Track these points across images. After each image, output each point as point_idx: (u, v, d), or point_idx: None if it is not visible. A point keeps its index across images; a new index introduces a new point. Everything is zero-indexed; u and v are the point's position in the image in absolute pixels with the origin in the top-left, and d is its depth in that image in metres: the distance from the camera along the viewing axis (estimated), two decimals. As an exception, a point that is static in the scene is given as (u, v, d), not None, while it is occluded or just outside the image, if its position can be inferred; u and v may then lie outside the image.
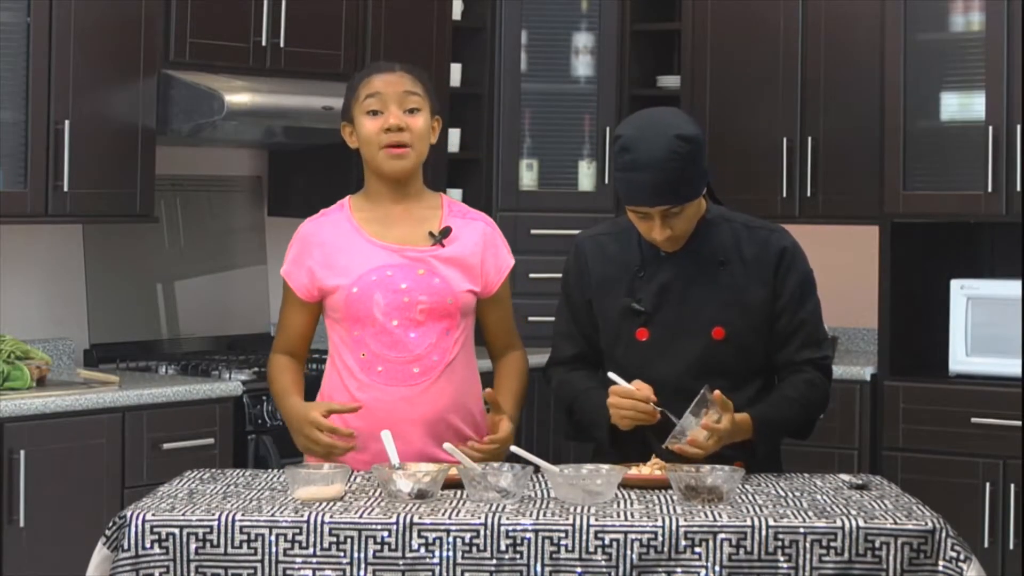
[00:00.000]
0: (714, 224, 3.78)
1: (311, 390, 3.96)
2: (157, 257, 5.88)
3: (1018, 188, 5.77)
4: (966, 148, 5.88)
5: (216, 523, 3.21)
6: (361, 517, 3.21)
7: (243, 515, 3.22)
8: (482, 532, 3.18)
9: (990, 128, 5.79)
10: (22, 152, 5.07)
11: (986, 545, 5.69)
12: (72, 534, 4.79)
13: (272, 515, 3.22)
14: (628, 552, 3.16)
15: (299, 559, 3.19)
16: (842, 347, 6.60)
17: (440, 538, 3.18)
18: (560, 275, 3.93)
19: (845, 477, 3.64)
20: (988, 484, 5.73)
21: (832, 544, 3.17)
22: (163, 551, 3.21)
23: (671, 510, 3.26)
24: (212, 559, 3.21)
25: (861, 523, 3.19)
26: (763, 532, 3.17)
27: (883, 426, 5.95)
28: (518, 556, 3.17)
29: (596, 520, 3.19)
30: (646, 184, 3.60)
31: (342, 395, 3.86)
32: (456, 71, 6.52)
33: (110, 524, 3.29)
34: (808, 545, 3.17)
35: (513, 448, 3.62)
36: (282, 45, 5.71)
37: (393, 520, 3.19)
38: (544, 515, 3.22)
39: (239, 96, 5.43)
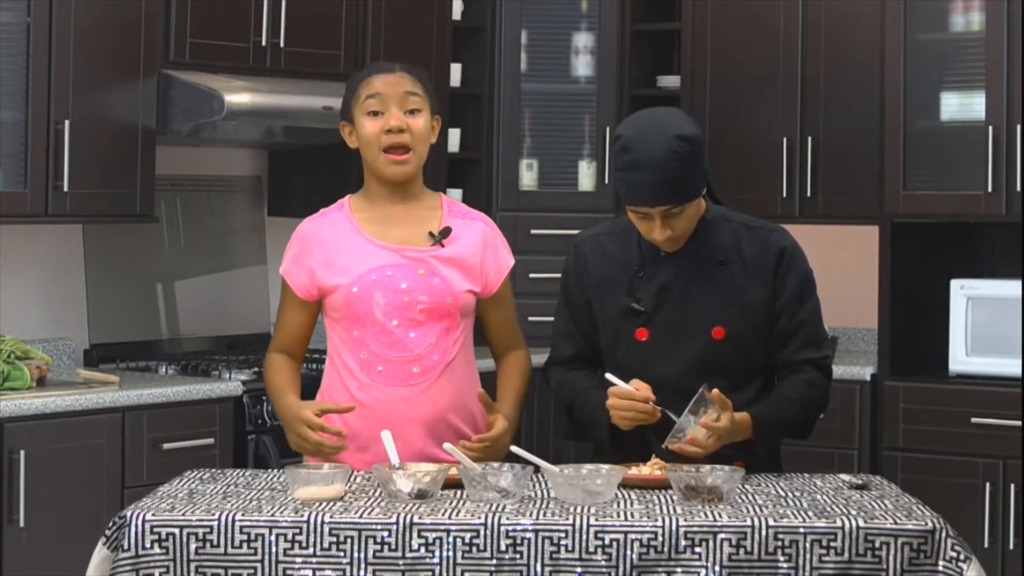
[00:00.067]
0: (714, 224, 3.78)
1: (311, 390, 3.96)
2: (157, 257, 5.88)
3: (1018, 188, 5.76)
4: (966, 148, 5.87)
5: (216, 523, 3.21)
6: (361, 517, 3.21)
7: (243, 515, 3.22)
8: (482, 532, 3.18)
9: (990, 128, 5.78)
10: (22, 152, 5.07)
11: (986, 545, 5.68)
12: (72, 534, 4.79)
13: (272, 515, 3.22)
14: (628, 552, 3.15)
15: (299, 559, 3.19)
16: (842, 347, 6.59)
17: (440, 538, 3.18)
18: (560, 275, 3.92)
19: (845, 477, 3.64)
20: (988, 484, 5.72)
21: (832, 544, 3.17)
22: (163, 551, 3.21)
23: (671, 510, 3.26)
24: (212, 559, 3.21)
25: (861, 523, 3.19)
26: (763, 532, 3.17)
27: (883, 426, 5.94)
28: (518, 556, 3.17)
29: (596, 520, 3.18)
30: (646, 184, 3.60)
31: (342, 395, 3.85)
32: (456, 71, 6.52)
33: (110, 524, 3.29)
34: (808, 545, 3.17)
35: (513, 448, 3.62)
36: (282, 45, 5.71)
37: (393, 520, 3.19)
38: (544, 515, 3.22)
39: (239, 96, 5.42)
